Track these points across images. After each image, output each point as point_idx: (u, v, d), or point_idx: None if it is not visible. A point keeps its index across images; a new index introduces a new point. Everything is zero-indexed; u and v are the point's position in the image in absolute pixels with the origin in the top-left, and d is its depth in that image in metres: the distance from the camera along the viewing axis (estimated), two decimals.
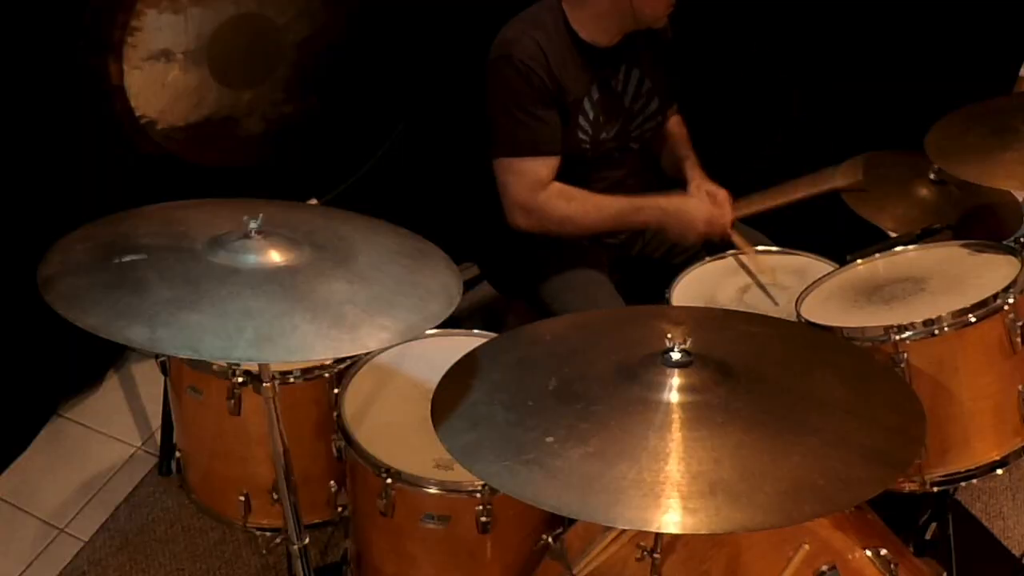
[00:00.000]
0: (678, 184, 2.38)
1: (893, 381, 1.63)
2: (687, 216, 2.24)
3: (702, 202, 2.26)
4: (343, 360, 1.99)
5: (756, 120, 2.88)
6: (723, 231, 2.26)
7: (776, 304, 2.15)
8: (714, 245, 2.37)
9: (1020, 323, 1.75)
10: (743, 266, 2.27)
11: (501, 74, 2.15)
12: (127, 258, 1.49)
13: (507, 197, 2.22)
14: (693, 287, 2.22)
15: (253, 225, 1.52)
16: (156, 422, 2.73)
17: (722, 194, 2.29)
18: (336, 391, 1.96)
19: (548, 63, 2.14)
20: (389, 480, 1.78)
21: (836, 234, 2.31)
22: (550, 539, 1.75)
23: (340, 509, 2.05)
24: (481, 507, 1.77)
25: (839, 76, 2.77)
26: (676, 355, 1.44)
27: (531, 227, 2.23)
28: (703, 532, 1.25)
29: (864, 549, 1.62)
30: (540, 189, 2.18)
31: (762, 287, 2.21)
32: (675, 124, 2.48)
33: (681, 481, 1.27)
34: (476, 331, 2.06)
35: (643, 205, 2.24)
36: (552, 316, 2.24)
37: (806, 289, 2.01)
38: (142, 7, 2.38)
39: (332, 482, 2.05)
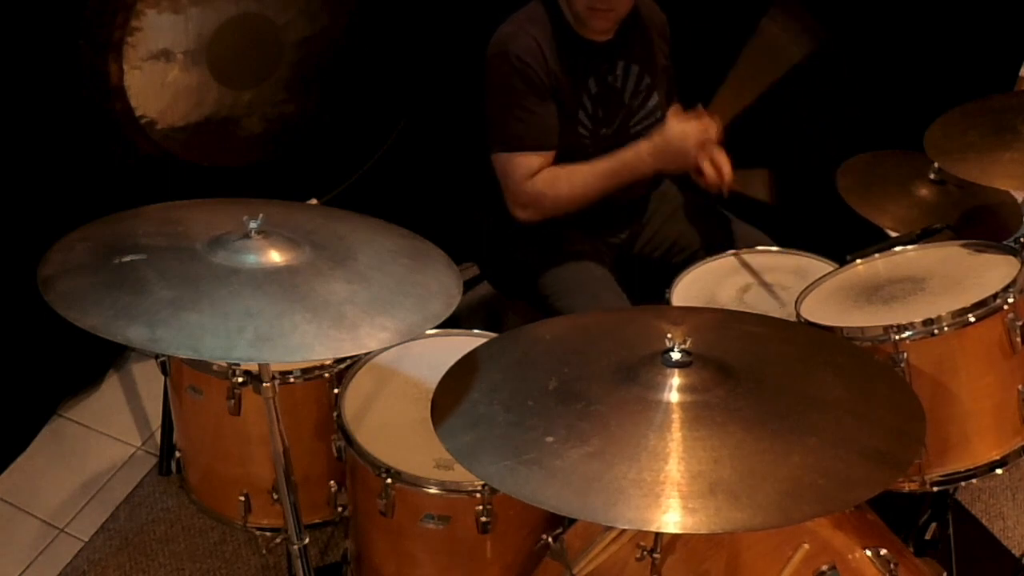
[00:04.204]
0: (677, 180, 2.38)
1: (893, 381, 1.63)
2: (675, 144, 2.19)
3: (680, 121, 2.20)
4: (343, 360, 1.99)
5: (755, 120, 2.87)
6: (712, 141, 2.19)
7: (782, 303, 2.15)
8: (713, 245, 2.37)
9: (1020, 323, 1.75)
10: (746, 265, 2.27)
11: (498, 69, 2.16)
12: (127, 258, 1.49)
13: (505, 192, 2.24)
14: (693, 287, 2.22)
15: (253, 225, 1.52)
16: (156, 422, 2.73)
17: (697, 111, 2.24)
18: (336, 391, 1.96)
19: (544, 58, 2.15)
20: (389, 480, 1.78)
21: (836, 234, 2.31)
22: (550, 539, 1.75)
23: (340, 509, 2.05)
24: (481, 507, 1.77)
25: (839, 76, 2.77)
26: (676, 355, 1.44)
27: (532, 217, 2.24)
28: (703, 532, 1.25)
29: (864, 549, 1.62)
30: (529, 180, 2.19)
31: (766, 285, 2.21)
32: (673, 112, 2.47)
33: (681, 481, 1.27)
34: (476, 331, 2.06)
35: (628, 158, 2.21)
36: (554, 312, 2.25)
37: (806, 289, 2.01)
38: (142, 7, 2.38)
39: (332, 482, 2.05)
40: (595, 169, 2.22)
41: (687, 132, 2.19)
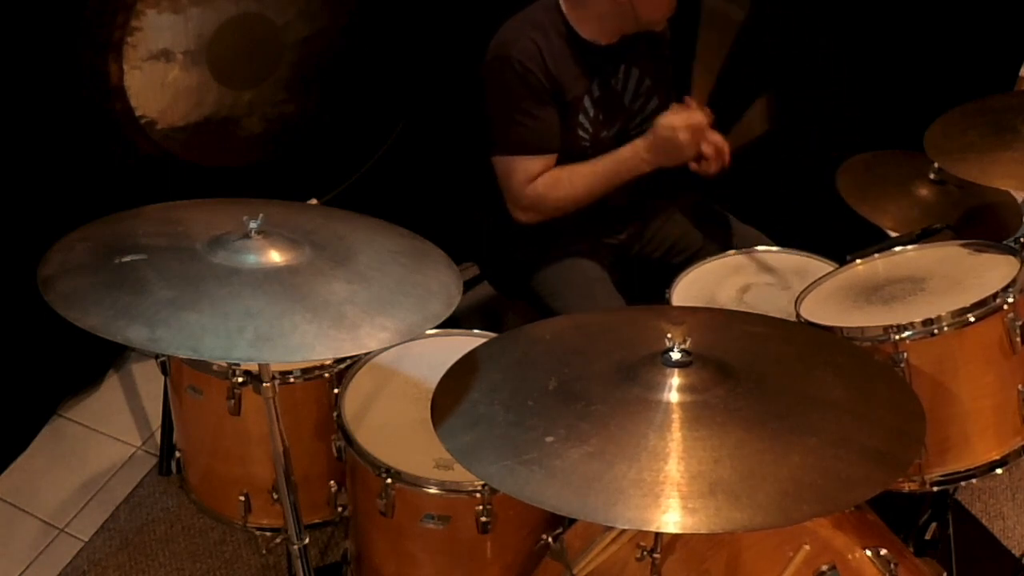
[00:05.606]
0: (678, 182, 2.39)
1: (893, 381, 1.63)
2: (667, 136, 2.17)
3: (668, 115, 2.18)
4: (343, 360, 1.99)
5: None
6: (703, 127, 2.19)
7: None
8: (712, 246, 2.37)
9: (1020, 323, 1.75)
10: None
11: (498, 74, 2.16)
12: (127, 258, 1.49)
13: (506, 194, 2.24)
14: (693, 287, 2.22)
15: (253, 225, 1.52)
16: (156, 422, 2.73)
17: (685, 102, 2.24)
18: (336, 391, 1.96)
19: (545, 62, 2.15)
20: (389, 480, 1.78)
21: (836, 234, 2.31)
22: (550, 539, 1.75)
23: (340, 509, 2.05)
24: (481, 507, 1.77)
25: (839, 76, 2.77)
26: (676, 355, 1.44)
27: (532, 219, 2.25)
28: (703, 532, 1.25)
29: (864, 549, 1.62)
30: (530, 184, 2.20)
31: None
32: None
33: (681, 481, 1.27)
34: (476, 331, 2.06)
35: (626, 156, 2.21)
36: (551, 313, 2.25)
37: (806, 289, 2.01)
38: (142, 7, 2.38)
39: (332, 482, 2.05)
40: (595, 169, 2.21)
41: (675, 124, 2.17)
